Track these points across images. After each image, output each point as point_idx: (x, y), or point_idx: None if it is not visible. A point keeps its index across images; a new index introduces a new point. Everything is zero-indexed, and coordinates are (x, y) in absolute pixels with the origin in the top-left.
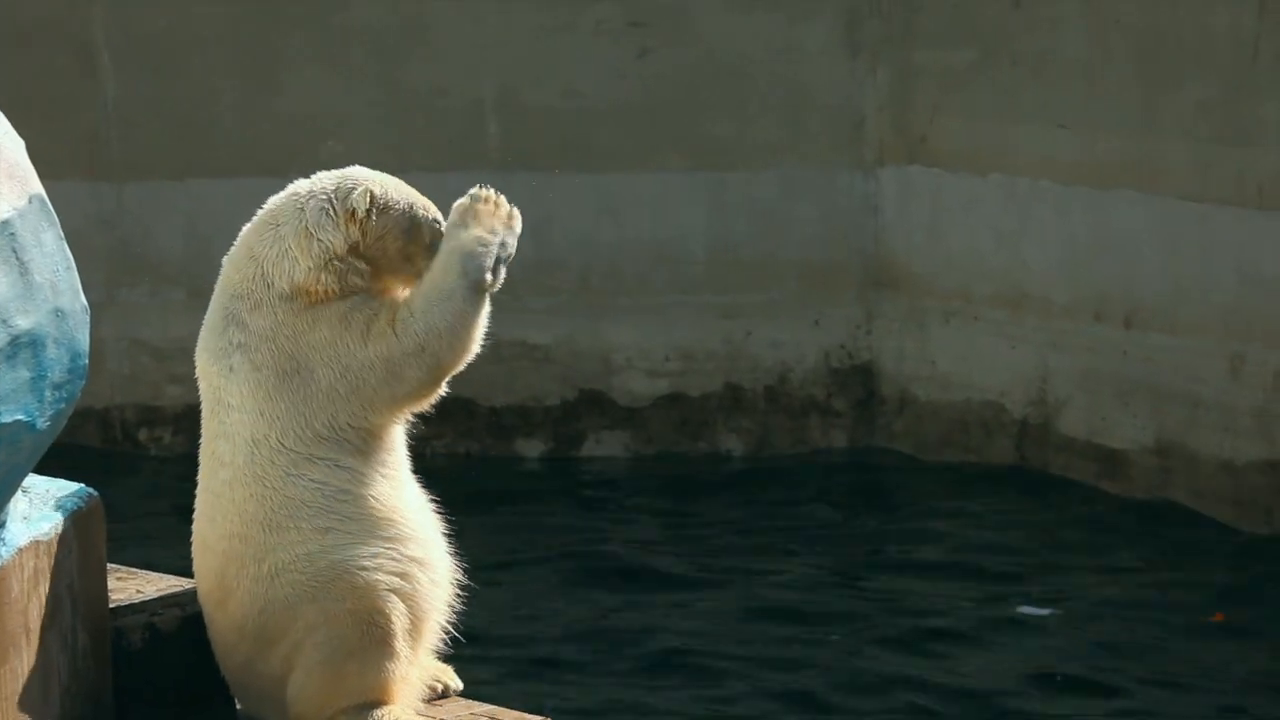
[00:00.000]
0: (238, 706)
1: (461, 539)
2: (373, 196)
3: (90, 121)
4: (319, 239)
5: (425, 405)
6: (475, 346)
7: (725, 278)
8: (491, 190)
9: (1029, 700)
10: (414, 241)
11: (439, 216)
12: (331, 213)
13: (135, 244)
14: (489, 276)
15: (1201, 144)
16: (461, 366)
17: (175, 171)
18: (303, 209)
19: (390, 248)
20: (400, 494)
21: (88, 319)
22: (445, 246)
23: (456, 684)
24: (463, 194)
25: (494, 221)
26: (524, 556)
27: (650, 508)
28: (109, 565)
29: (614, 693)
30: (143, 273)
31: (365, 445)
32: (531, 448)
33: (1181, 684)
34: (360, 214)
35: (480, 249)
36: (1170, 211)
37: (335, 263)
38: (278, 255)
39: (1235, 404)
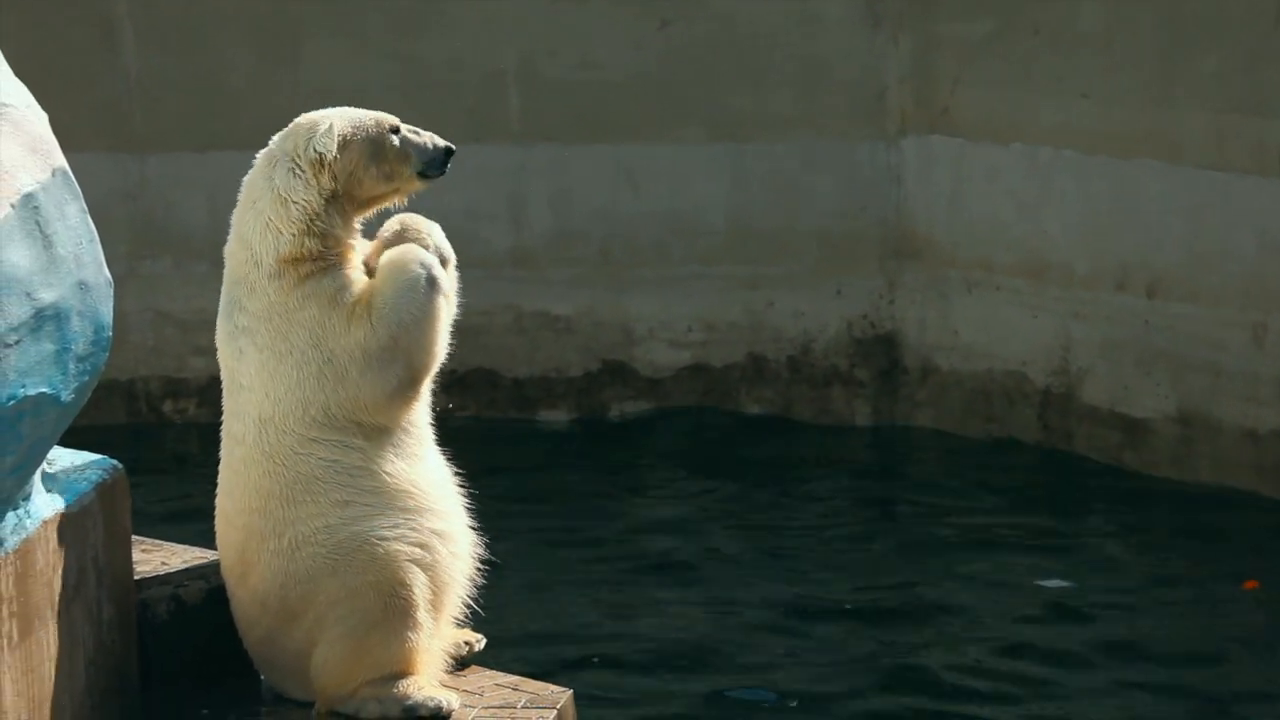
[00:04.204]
0: (262, 679)
1: (484, 510)
2: (335, 133)
3: (112, 94)
4: (294, 202)
5: (407, 409)
6: (443, 344)
7: (746, 248)
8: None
9: (1049, 671)
10: (383, 160)
11: (395, 122)
12: (298, 171)
13: (158, 216)
14: (437, 270)
15: (1221, 113)
16: (434, 365)
17: (197, 143)
18: (272, 178)
19: (364, 177)
20: (417, 469)
21: (111, 291)
22: (385, 257)
23: (480, 642)
24: (484, 167)
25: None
26: (547, 526)
27: (673, 478)
28: (134, 537)
29: (635, 673)
30: (166, 245)
31: (370, 432)
32: (555, 418)
33: (1211, 652)
34: (329, 158)
35: (419, 251)
36: (1191, 180)
37: (317, 222)
38: (261, 231)
39: (1257, 372)
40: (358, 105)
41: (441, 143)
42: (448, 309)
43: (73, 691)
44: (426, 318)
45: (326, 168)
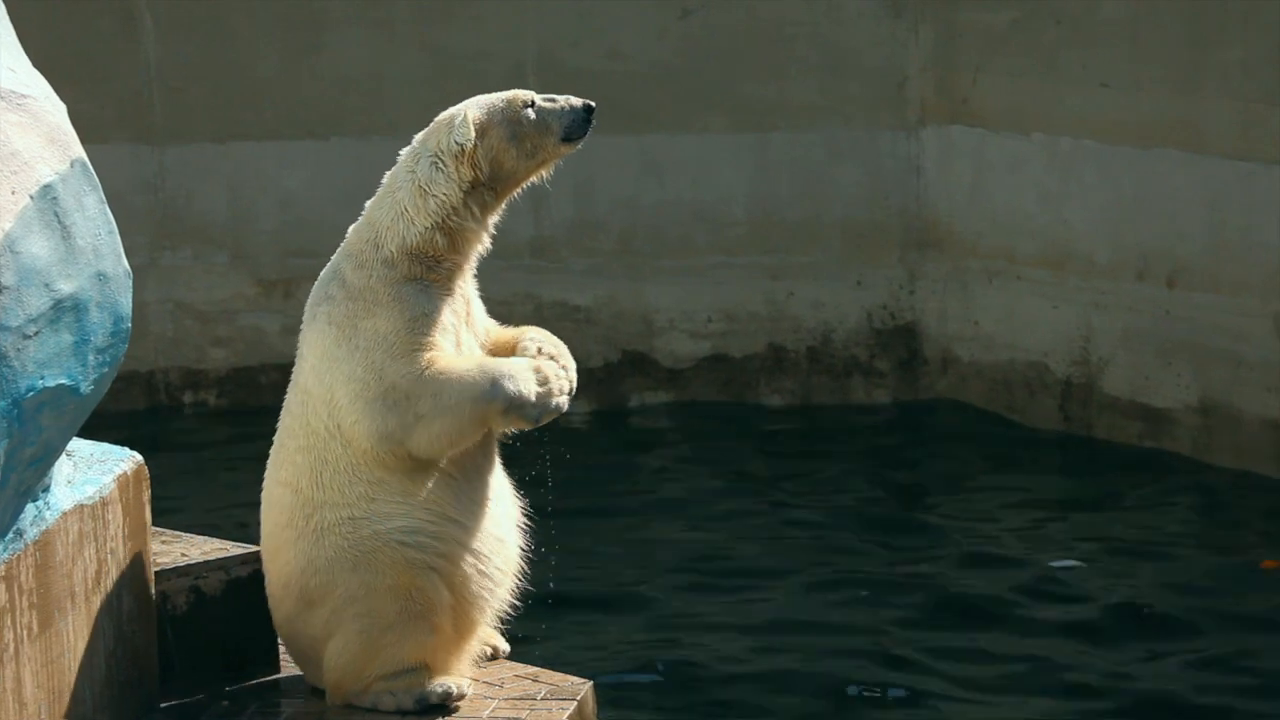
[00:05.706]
0: (281, 659)
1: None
2: (470, 123)
3: (133, 85)
4: (434, 195)
5: (387, 457)
6: (447, 446)
7: (767, 239)
8: (560, 372)
9: (1065, 656)
10: (523, 137)
11: (529, 96)
12: (441, 164)
13: (178, 207)
14: (499, 404)
15: (1244, 102)
16: (426, 451)
17: (218, 134)
18: (414, 170)
19: (506, 158)
20: (454, 483)
21: (130, 283)
22: (496, 362)
23: (505, 647)
24: None
25: (533, 385)
26: (566, 517)
27: (693, 468)
28: (153, 529)
29: (655, 664)
30: (186, 236)
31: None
32: (574, 409)
33: (1229, 632)
34: (469, 148)
35: (513, 386)
36: (1213, 170)
37: (452, 218)
38: (393, 218)
39: (1278, 363)
40: (378, 96)
41: (578, 102)
42: (475, 426)
43: (92, 682)
44: (454, 413)
45: (468, 158)
